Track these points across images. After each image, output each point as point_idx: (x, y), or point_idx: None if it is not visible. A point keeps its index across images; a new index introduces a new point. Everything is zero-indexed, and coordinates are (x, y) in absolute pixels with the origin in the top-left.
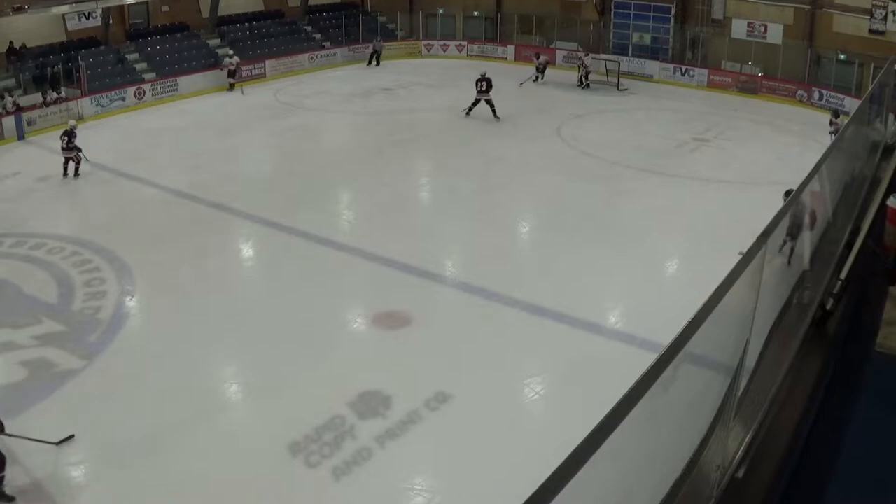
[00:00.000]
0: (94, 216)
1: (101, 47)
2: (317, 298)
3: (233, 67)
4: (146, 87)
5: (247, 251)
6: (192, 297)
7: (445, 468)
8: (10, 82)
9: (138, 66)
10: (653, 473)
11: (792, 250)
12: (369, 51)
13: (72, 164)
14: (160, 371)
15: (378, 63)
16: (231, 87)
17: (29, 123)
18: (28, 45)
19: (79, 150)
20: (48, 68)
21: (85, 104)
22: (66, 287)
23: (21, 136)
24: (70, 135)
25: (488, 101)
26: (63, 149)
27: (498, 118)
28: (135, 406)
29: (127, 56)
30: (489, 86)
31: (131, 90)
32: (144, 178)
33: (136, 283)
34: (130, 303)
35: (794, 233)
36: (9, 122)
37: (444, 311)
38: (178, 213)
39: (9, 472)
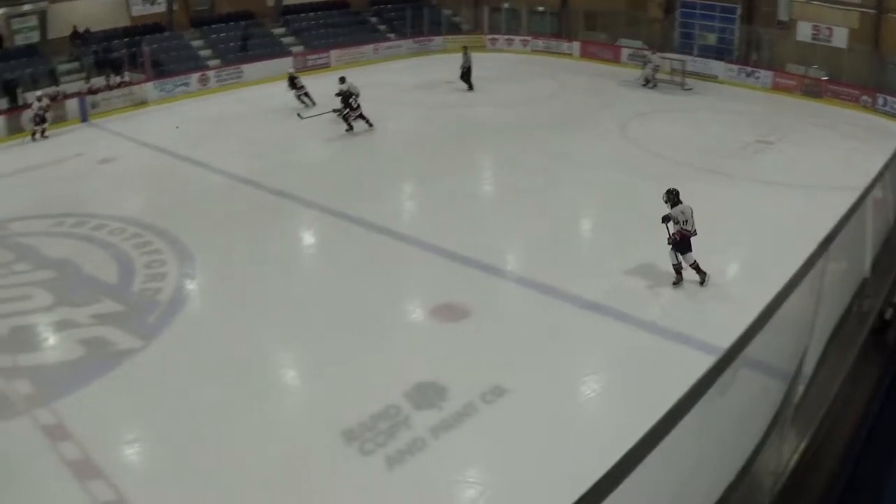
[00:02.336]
0: (156, 199)
1: (166, 33)
2: (375, 287)
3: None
4: (210, 73)
5: (307, 238)
6: (252, 282)
7: (498, 462)
8: (74, 65)
9: (203, 53)
10: (706, 477)
11: None
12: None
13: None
14: (217, 354)
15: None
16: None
17: (93, 106)
18: (92, 30)
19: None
20: (112, 53)
21: (148, 89)
22: (126, 268)
23: (84, 119)
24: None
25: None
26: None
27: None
28: (191, 388)
29: (191, 42)
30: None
31: (195, 76)
32: (207, 164)
33: (196, 267)
34: (190, 285)
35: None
36: (72, 104)
37: (502, 304)
38: (240, 199)
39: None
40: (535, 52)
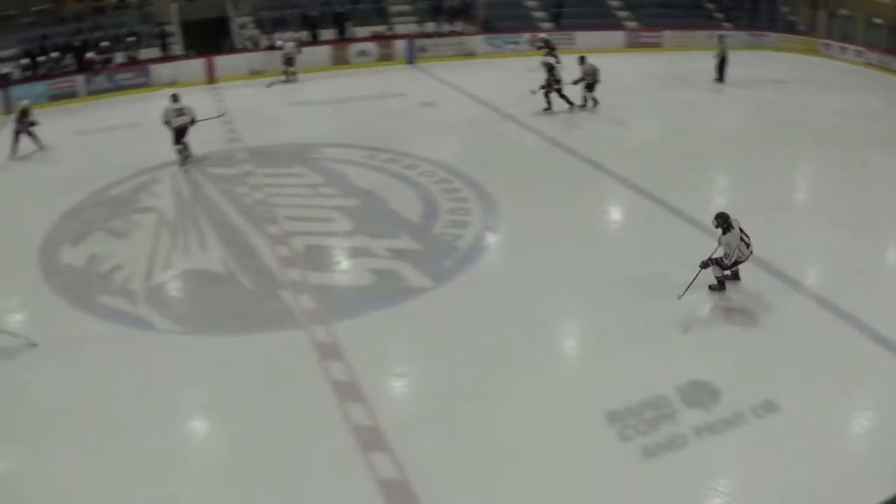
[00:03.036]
0: (470, 149)
1: None
2: (669, 273)
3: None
4: (542, 35)
5: (611, 212)
6: (550, 245)
7: (753, 478)
8: (407, 7)
9: (536, 14)
10: None
11: None
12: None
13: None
14: (503, 309)
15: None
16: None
17: (421, 50)
18: None
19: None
20: (446, 1)
21: (478, 41)
22: (430, 209)
23: (411, 61)
24: None
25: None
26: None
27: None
28: (470, 337)
29: (526, 2)
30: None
31: (526, 35)
32: (524, 122)
33: (499, 220)
34: (490, 238)
35: None
36: (400, 45)
37: (794, 320)
38: (552, 162)
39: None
40: (867, 64)
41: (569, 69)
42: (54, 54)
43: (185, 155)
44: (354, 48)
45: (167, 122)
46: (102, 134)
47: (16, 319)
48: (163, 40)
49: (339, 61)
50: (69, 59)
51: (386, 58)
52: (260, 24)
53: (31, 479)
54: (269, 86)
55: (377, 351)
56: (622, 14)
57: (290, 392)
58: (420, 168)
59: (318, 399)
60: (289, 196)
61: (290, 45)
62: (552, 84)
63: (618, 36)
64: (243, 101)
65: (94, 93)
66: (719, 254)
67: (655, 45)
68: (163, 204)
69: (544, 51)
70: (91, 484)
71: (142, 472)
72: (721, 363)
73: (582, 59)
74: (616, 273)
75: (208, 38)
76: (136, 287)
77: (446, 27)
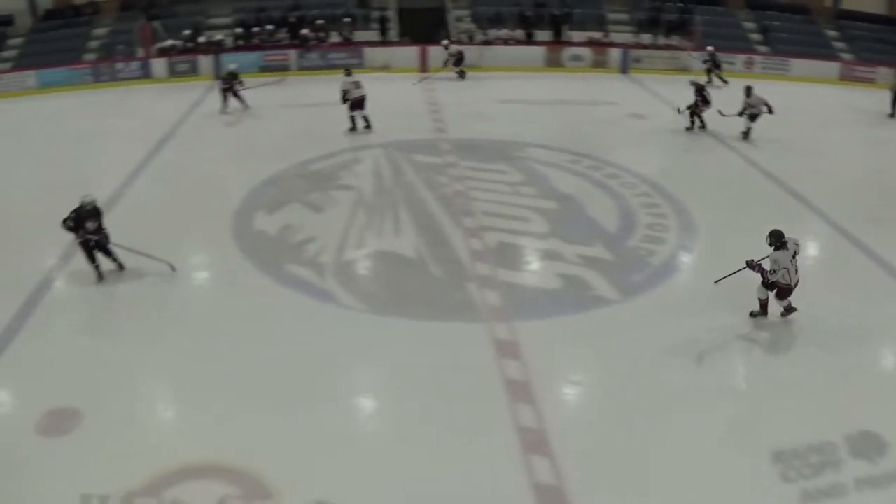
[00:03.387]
0: (675, 165)
1: (719, 7)
2: (860, 319)
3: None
4: (757, 58)
5: (808, 247)
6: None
7: None
8: (624, 17)
9: (753, 36)
10: None
11: None
12: None
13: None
14: (685, 333)
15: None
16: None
17: (635, 61)
18: None
19: None
20: (663, 14)
21: (694, 58)
22: (627, 221)
23: (624, 71)
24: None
25: None
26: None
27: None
28: (647, 357)
29: (743, 22)
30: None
31: (742, 57)
32: (729, 143)
33: (695, 241)
34: (684, 258)
35: None
36: (615, 53)
37: None
38: (753, 187)
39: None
40: None
41: (720, 94)
42: (269, 27)
43: (365, 125)
44: (568, 52)
45: (345, 94)
46: (309, 109)
47: (201, 276)
48: (382, 25)
49: (553, 63)
50: (283, 34)
51: (599, 65)
52: (476, 19)
53: (215, 428)
54: (416, 83)
55: (555, 355)
56: (838, 45)
57: (463, 383)
58: (622, 178)
59: (489, 394)
60: (488, 191)
61: (454, 48)
62: (699, 105)
63: (832, 67)
64: (452, 94)
65: (305, 68)
66: (766, 265)
67: (869, 80)
68: (362, 184)
69: (709, 65)
70: (263, 440)
71: (310, 438)
72: (891, 414)
73: (749, 90)
74: (805, 314)
75: (424, 27)
76: (326, 261)
77: (662, 40)
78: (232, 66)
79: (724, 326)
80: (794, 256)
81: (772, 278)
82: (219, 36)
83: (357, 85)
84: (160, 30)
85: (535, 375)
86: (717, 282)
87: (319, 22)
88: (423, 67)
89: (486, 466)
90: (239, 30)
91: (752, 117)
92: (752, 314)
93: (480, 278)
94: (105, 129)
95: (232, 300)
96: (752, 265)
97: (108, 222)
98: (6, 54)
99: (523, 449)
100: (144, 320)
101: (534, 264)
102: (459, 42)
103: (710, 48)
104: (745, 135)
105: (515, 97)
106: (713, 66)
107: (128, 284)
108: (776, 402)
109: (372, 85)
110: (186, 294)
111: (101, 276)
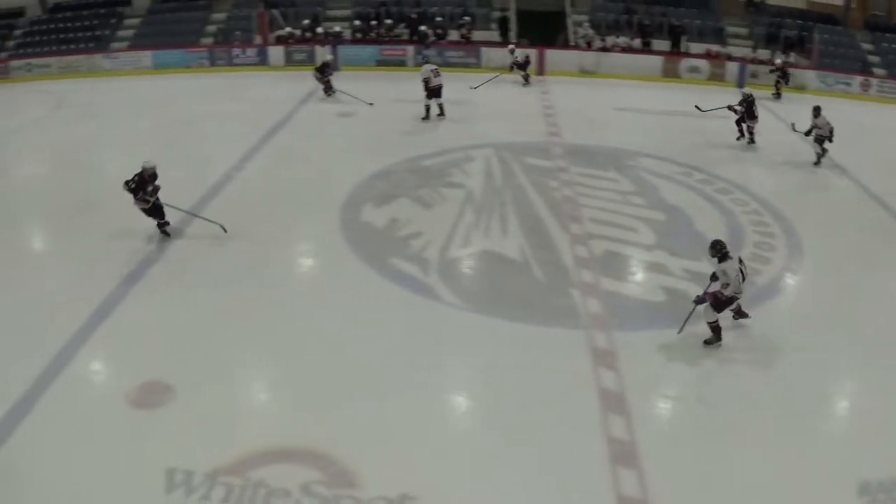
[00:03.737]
0: (786, 184)
1: (839, 27)
2: None
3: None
4: (874, 80)
5: None
6: (848, 301)
7: None
8: (743, 31)
9: (871, 59)
10: None
11: None
12: None
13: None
14: (785, 357)
15: None
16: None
17: (752, 76)
18: (768, 2)
19: None
20: (782, 30)
21: (810, 76)
22: (735, 238)
23: (741, 85)
24: None
25: None
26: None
27: None
28: (746, 378)
29: (861, 43)
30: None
31: (858, 79)
32: (843, 166)
33: (801, 264)
34: (789, 280)
35: None
36: (732, 67)
37: None
38: (864, 213)
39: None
40: None
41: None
42: (388, 21)
43: (439, 112)
44: (686, 63)
45: (426, 80)
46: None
47: (306, 263)
48: (503, 26)
49: (670, 74)
50: (401, 29)
51: (717, 77)
52: (594, 25)
53: (306, 413)
54: (474, 87)
55: (652, 368)
56: None
57: (557, 388)
58: (733, 195)
59: (582, 402)
60: (597, 198)
61: (519, 52)
62: (745, 119)
63: None
64: (568, 98)
65: (421, 64)
66: (715, 287)
67: None
68: (472, 183)
69: (777, 75)
70: (353, 429)
71: (400, 431)
72: None
73: (817, 110)
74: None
75: (542, 30)
76: (431, 257)
77: (781, 57)
78: (327, 58)
79: (824, 349)
80: (740, 262)
81: (727, 293)
82: (337, 27)
83: (436, 73)
84: (279, 18)
85: (630, 387)
86: (679, 332)
87: (439, 19)
88: (541, 70)
89: (572, 473)
90: (357, 22)
91: (819, 140)
92: (705, 343)
93: (583, 285)
94: (218, 113)
95: (334, 289)
96: (701, 299)
97: (218, 203)
98: (123, 34)
99: (612, 460)
100: (248, 301)
101: (639, 275)
102: (521, 46)
103: (779, 60)
104: (817, 162)
105: (630, 105)
106: (781, 76)
107: (236, 266)
108: (868, 433)
109: (487, 86)
110: (289, 279)
111: (167, 234)
